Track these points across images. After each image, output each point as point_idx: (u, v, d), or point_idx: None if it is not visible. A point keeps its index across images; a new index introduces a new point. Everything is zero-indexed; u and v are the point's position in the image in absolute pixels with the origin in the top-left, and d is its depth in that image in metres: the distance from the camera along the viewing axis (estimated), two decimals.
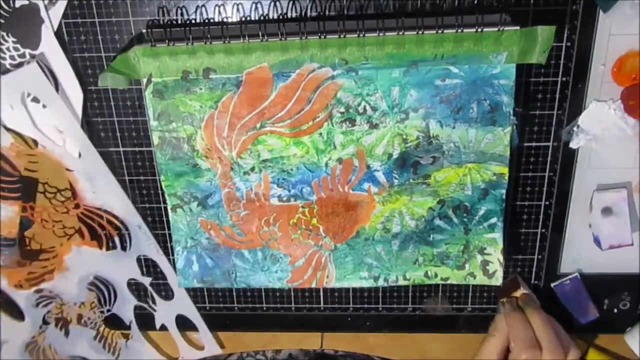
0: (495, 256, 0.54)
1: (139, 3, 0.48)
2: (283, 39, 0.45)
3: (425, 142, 0.49)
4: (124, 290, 0.60)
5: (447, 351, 0.62)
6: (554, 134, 0.51)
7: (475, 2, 0.46)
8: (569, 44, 0.47)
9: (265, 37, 0.45)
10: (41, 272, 0.60)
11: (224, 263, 0.56)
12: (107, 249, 0.58)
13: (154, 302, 0.61)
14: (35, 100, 0.51)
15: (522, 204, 0.54)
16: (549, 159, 0.52)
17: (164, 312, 0.61)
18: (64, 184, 0.55)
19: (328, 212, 0.53)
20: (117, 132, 0.53)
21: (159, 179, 0.53)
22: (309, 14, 0.47)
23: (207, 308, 0.61)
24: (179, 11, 0.48)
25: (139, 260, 0.59)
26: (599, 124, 0.49)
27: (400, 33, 0.44)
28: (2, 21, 0.49)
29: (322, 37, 0.45)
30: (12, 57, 0.50)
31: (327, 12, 0.47)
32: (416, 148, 0.50)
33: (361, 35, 0.45)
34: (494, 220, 0.52)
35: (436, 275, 0.55)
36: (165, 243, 0.58)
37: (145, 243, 0.57)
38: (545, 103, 0.50)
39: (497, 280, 0.54)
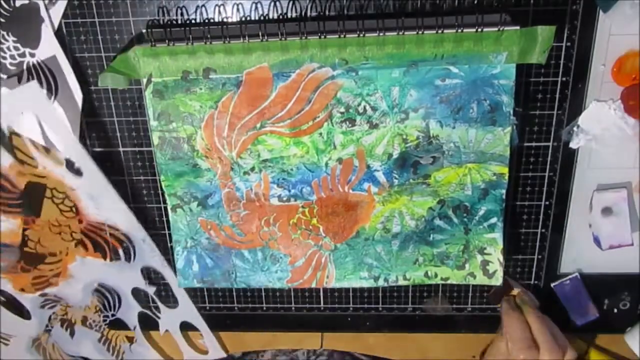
0: (495, 256, 0.54)
1: (139, 3, 0.48)
2: (283, 39, 0.45)
3: (425, 142, 0.49)
4: (129, 297, 0.61)
5: (447, 351, 0.62)
6: (554, 134, 0.51)
7: (475, 2, 0.46)
8: (569, 44, 0.47)
9: (265, 37, 0.45)
10: (45, 277, 0.60)
11: (224, 263, 0.56)
12: (111, 260, 0.58)
13: (158, 309, 0.61)
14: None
15: (522, 204, 0.54)
16: (549, 159, 0.52)
17: (168, 319, 0.62)
18: (69, 193, 0.55)
19: (328, 212, 0.53)
20: (117, 132, 0.53)
21: (159, 179, 0.53)
22: (309, 14, 0.47)
23: (207, 308, 0.61)
24: (179, 11, 0.48)
25: (142, 270, 0.59)
26: (599, 124, 0.49)
27: (400, 33, 0.44)
28: (3, 20, 0.49)
29: (322, 37, 0.45)
30: (12, 57, 0.50)
31: (327, 12, 0.47)
32: (416, 148, 0.50)
33: (361, 35, 0.45)
34: (494, 220, 0.52)
35: (436, 275, 0.55)
36: (165, 243, 0.58)
37: (149, 255, 0.58)
38: (545, 103, 0.50)
39: (497, 280, 0.54)
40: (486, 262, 0.54)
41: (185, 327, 0.62)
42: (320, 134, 0.49)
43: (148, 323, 0.62)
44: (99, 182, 0.54)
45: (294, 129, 0.49)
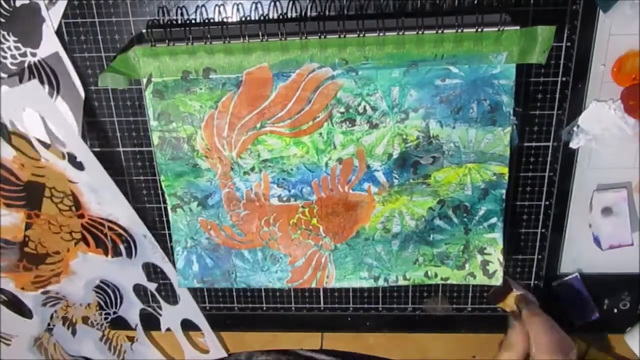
0: (495, 256, 0.54)
1: (139, 3, 0.48)
2: (283, 39, 0.45)
3: (425, 142, 0.49)
4: (130, 294, 0.61)
5: (447, 351, 0.62)
6: (554, 134, 0.51)
7: (475, 2, 0.46)
8: (569, 44, 0.47)
9: (265, 37, 0.45)
10: (47, 275, 0.60)
11: (224, 263, 0.56)
12: (113, 256, 0.58)
13: (159, 306, 0.61)
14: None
15: (522, 204, 0.54)
16: (549, 159, 0.52)
17: (170, 317, 0.62)
18: (69, 191, 0.55)
19: (328, 212, 0.53)
20: (117, 132, 0.53)
21: (159, 179, 0.53)
22: (309, 14, 0.47)
23: (207, 308, 0.61)
24: (179, 11, 0.48)
25: (144, 266, 0.59)
26: (599, 124, 0.49)
27: (400, 33, 0.44)
28: (3, 20, 0.49)
29: (322, 37, 0.45)
30: (13, 57, 0.50)
31: (327, 12, 0.47)
32: (416, 148, 0.50)
33: (361, 35, 0.45)
34: (494, 220, 0.52)
35: (436, 275, 0.55)
36: (165, 243, 0.58)
37: (151, 251, 0.58)
38: (545, 103, 0.50)
39: (497, 280, 0.54)
40: (486, 262, 0.54)
41: (187, 325, 0.62)
42: (320, 134, 0.49)
43: (149, 321, 0.62)
44: (101, 176, 0.54)
45: (294, 129, 0.49)
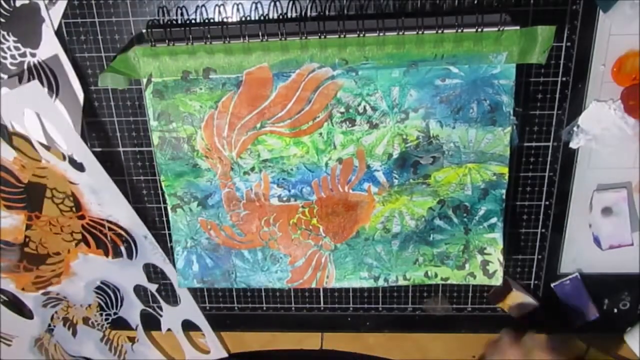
0: (495, 256, 0.54)
1: (139, 3, 0.48)
2: (283, 39, 0.45)
3: (425, 142, 0.49)
4: (131, 295, 0.61)
5: (447, 351, 0.62)
6: (554, 134, 0.51)
7: (475, 2, 0.46)
8: (569, 44, 0.47)
9: (265, 37, 0.45)
10: (48, 276, 0.60)
11: (224, 263, 0.56)
12: (113, 257, 0.58)
13: (160, 307, 0.61)
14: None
15: (522, 204, 0.54)
16: (549, 159, 0.52)
17: (170, 317, 0.62)
18: (69, 192, 0.55)
19: (328, 212, 0.53)
20: (117, 132, 0.53)
21: (159, 179, 0.53)
22: (309, 14, 0.47)
23: (207, 308, 0.61)
24: (179, 11, 0.48)
25: (144, 267, 0.59)
26: (599, 124, 0.49)
27: (400, 33, 0.44)
28: (3, 20, 0.49)
29: (322, 37, 0.45)
30: (12, 57, 0.50)
31: (327, 12, 0.47)
32: (416, 148, 0.50)
33: (361, 35, 0.45)
34: (494, 220, 0.52)
35: (436, 275, 0.55)
36: (165, 243, 0.58)
37: (151, 252, 0.58)
38: (545, 103, 0.50)
39: (497, 280, 0.54)
40: (486, 262, 0.54)
41: (187, 326, 0.62)
42: (320, 134, 0.49)
43: (150, 322, 0.62)
44: (101, 178, 0.54)
45: (294, 129, 0.49)
